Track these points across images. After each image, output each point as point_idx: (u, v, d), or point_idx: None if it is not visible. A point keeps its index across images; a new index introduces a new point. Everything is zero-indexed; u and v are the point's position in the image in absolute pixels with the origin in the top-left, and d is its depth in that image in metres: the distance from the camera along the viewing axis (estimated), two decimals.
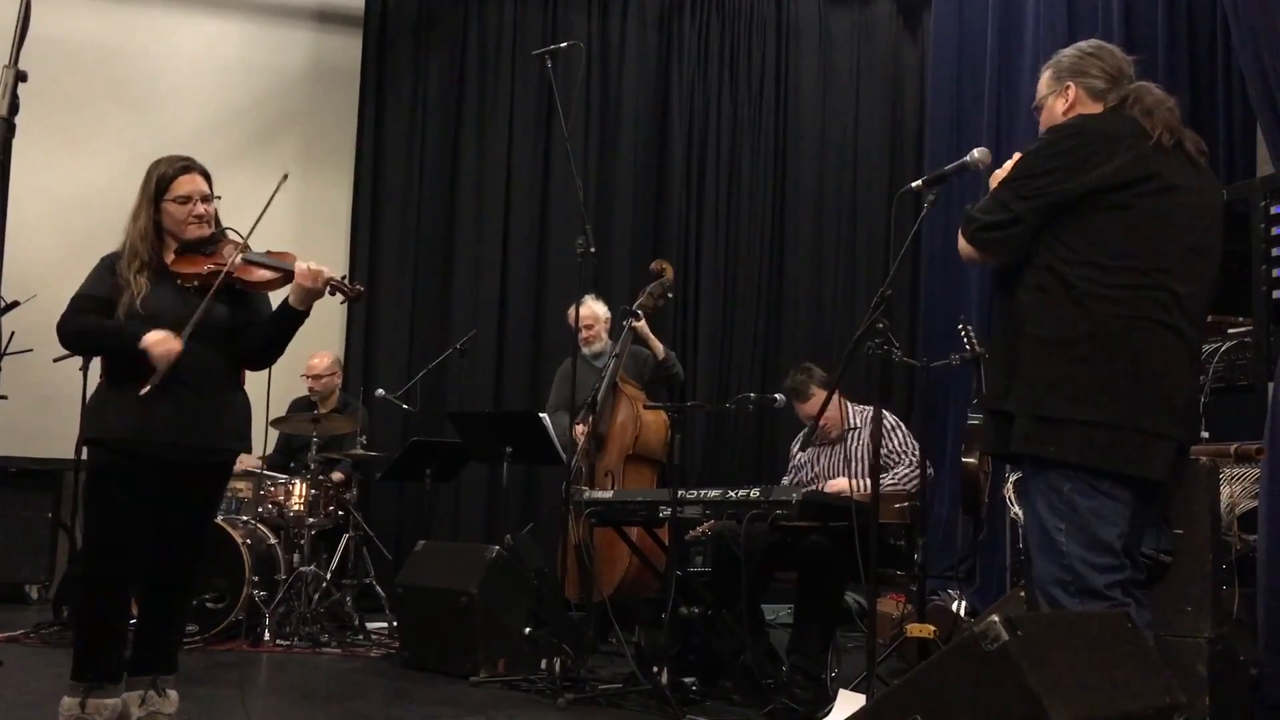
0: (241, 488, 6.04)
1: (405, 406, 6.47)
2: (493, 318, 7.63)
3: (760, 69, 8.18)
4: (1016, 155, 2.87)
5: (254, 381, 3.68)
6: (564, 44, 5.53)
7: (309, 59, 7.84)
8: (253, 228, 3.48)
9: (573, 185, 6.00)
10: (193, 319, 3.30)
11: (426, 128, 7.72)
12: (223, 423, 3.48)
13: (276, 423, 6.20)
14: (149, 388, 3.25)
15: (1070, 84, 2.89)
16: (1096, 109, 2.85)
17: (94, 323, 3.35)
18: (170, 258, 3.46)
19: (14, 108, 2.20)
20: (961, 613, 5.10)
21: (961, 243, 2.85)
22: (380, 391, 6.51)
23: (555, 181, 7.77)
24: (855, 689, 3.57)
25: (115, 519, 3.32)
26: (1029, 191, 2.72)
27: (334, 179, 7.72)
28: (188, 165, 3.49)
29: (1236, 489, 3.80)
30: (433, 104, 7.75)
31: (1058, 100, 2.91)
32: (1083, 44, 3.01)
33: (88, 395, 4.30)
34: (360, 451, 6.16)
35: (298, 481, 5.86)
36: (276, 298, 3.58)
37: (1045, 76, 2.97)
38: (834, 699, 3.63)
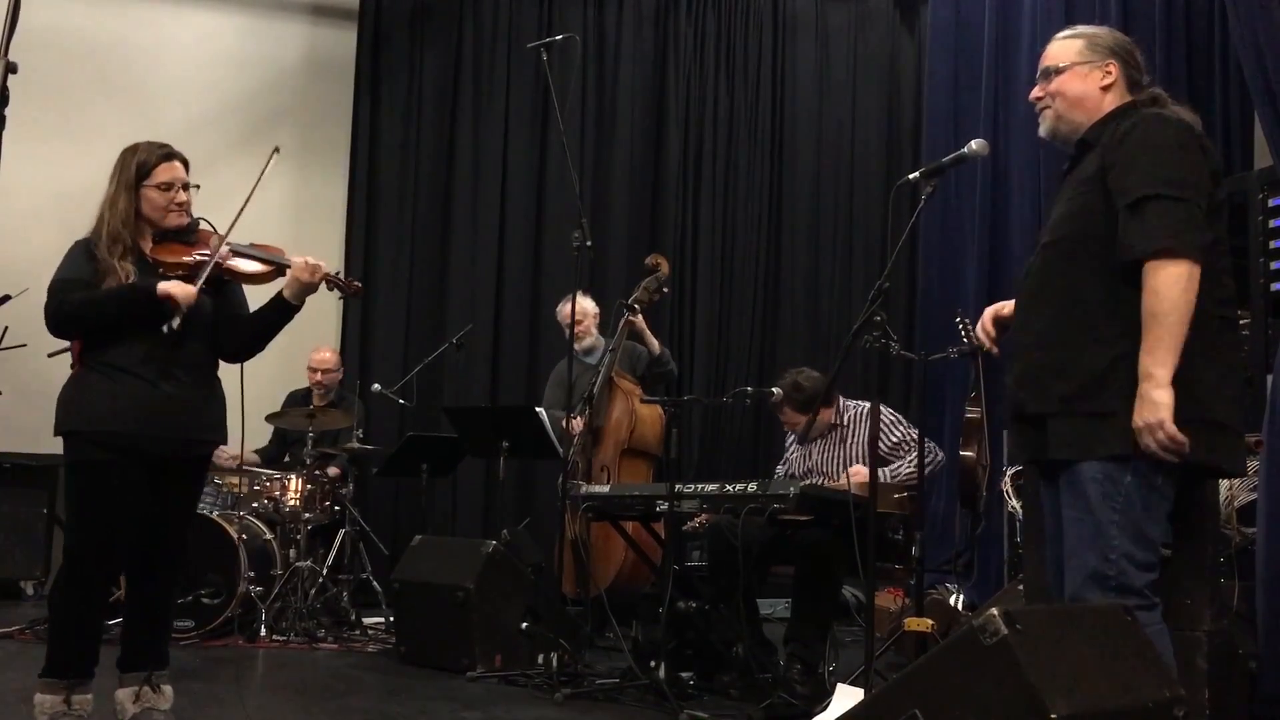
0: (237, 483, 6.03)
1: (401, 401, 6.45)
2: (489, 312, 7.61)
3: (757, 62, 8.16)
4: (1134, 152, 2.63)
5: (229, 374, 3.61)
6: (560, 37, 5.52)
7: (303, 52, 7.81)
8: (244, 205, 3.44)
9: (569, 179, 5.97)
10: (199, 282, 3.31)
11: (422, 121, 7.69)
12: (204, 415, 3.46)
13: (272, 417, 6.19)
14: (170, 328, 3.25)
15: (1114, 63, 2.78)
16: (1128, 96, 2.78)
17: (94, 293, 3.30)
18: (148, 246, 3.42)
19: (4, 99, 2.18)
20: (959, 607, 5.09)
21: (1180, 269, 2.51)
22: (376, 386, 6.50)
23: (551, 175, 7.74)
24: (853, 683, 3.56)
25: (101, 514, 3.28)
26: (1200, 192, 2.58)
27: (329, 173, 7.69)
28: (169, 153, 3.44)
29: (1235, 482, 3.80)
30: (428, 97, 7.72)
31: (1095, 72, 2.78)
32: (1114, 30, 2.94)
33: None
34: (356, 446, 6.14)
35: (293, 476, 5.85)
36: (259, 292, 3.55)
37: (1075, 44, 2.82)
38: (832, 693, 3.62)
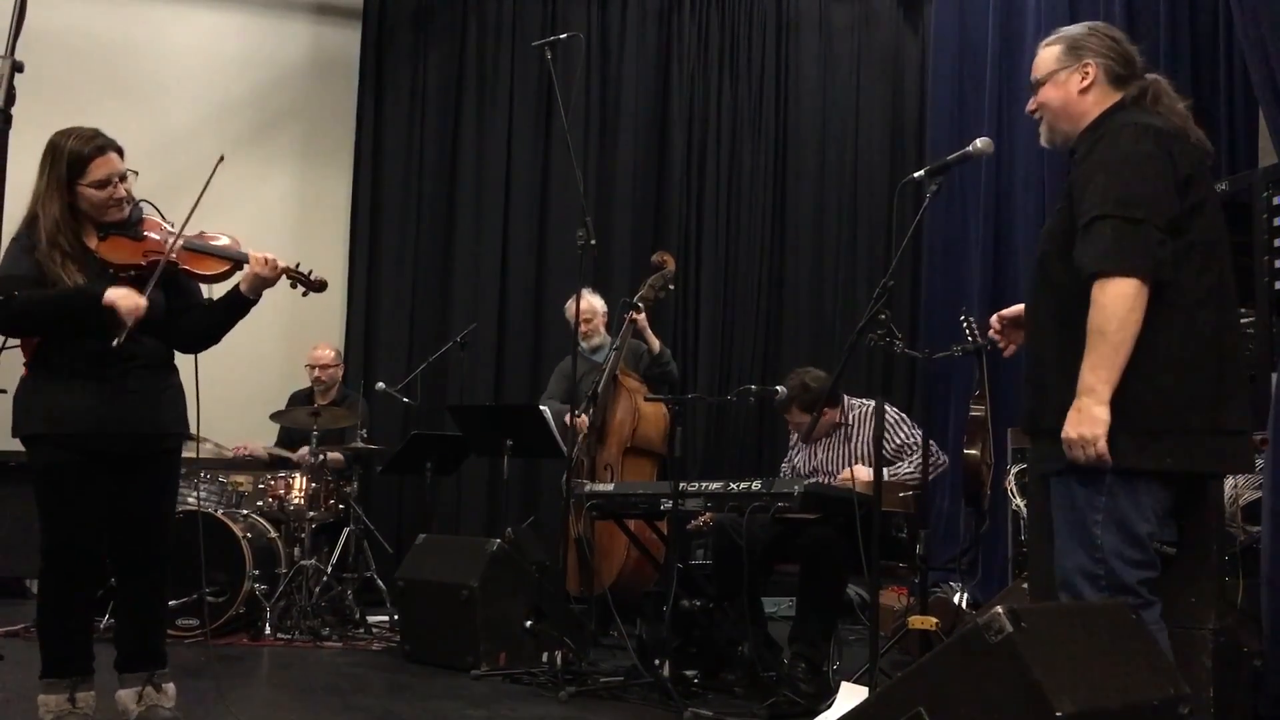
0: (241, 481, 6.04)
1: (405, 400, 6.46)
2: (493, 310, 7.61)
3: (760, 60, 8.16)
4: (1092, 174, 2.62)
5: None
6: (564, 35, 5.51)
7: (308, 52, 7.82)
8: (192, 209, 3.30)
9: (573, 177, 5.97)
10: (149, 288, 3.22)
11: (426, 120, 7.70)
12: (164, 409, 3.40)
13: (276, 416, 6.20)
14: (118, 341, 3.13)
15: (1090, 62, 2.77)
16: (1114, 94, 2.76)
17: (41, 293, 3.16)
18: (93, 242, 3.31)
19: (10, 99, 2.19)
20: (963, 605, 5.09)
21: (1126, 288, 2.51)
22: (380, 385, 6.50)
23: (555, 174, 7.75)
24: (857, 682, 3.56)
25: (68, 515, 3.25)
26: (1157, 209, 2.55)
27: (333, 172, 7.70)
28: (101, 145, 3.25)
29: (1240, 480, 3.79)
30: (432, 96, 7.72)
31: (1073, 76, 2.78)
32: (1094, 24, 2.91)
33: None
34: (360, 445, 6.15)
35: (298, 475, 5.85)
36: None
37: (1054, 50, 2.83)
38: (836, 691, 3.62)
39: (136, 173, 3.36)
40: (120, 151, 3.32)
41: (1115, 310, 2.51)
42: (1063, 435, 2.56)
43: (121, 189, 3.30)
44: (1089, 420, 2.53)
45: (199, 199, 3.28)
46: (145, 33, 7.45)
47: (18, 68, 2.18)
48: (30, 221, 3.26)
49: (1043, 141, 2.93)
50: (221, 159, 3.28)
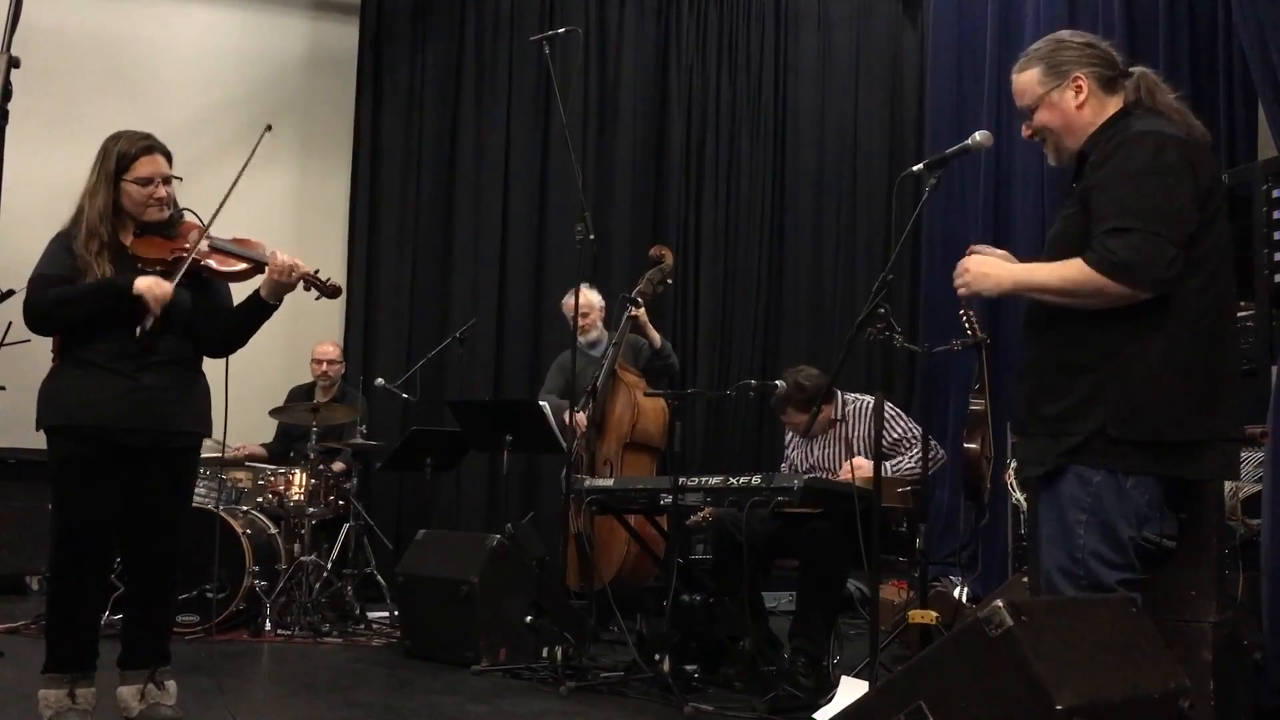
0: (241, 478, 6.04)
1: (405, 396, 6.45)
2: (492, 306, 7.61)
3: (759, 54, 8.16)
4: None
5: (213, 368, 3.58)
6: (562, 30, 5.51)
7: (305, 47, 7.81)
8: (227, 194, 3.38)
9: (571, 172, 5.95)
10: (175, 278, 3.28)
11: (424, 115, 7.69)
12: (185, 407, 3.42)
13: (276, 412, 6.20)
14: (141, 329, 3.22)
15: (1079, 74, 2.69)
16: (1114, 100, 2.71)
17: (69, 289, 3.27)
18: (128, 239, 3.39)
19: (7, 94, 2.19)
20: (963, 599, 5.10)
21: (1122, 293, 2.51)
22: (380, 381, 6.50)
23: (554, 168, 7.75)
24: (858, 676, 3.56)
25: (81, 507, 3.27)
26: (1177, 224, 2.51)
27: (331, 167, 7.69)
28: (149, 145, 3.38)
29: (1240, 473, 3.79)
30: (430, 91, 7.72)
31: (1065, 93, 2.70)
32: (1064, 34, 2.85)
33: None
34: (360, 441, 6.15)
35: (298, 471, 5.85)
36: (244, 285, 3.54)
37: (1034, 73, 2.74)
38: (837, 686, 3.62)
39: (181, 178, 3.46)
40: (169, 156, 3.43)
41: (1088, 284, 2.54)
42: (961, 265, 2.73)
43: (163, 190, 3.40)
44: (987, 278, 2.71)
45: (230, 189, 3.38)
46: (143, 28, 7.44)
47: (14, 63, 2.18)
48: (75, 216, 3.38)
49: (1051, 161, 2.87)
50: (269, 128, 3.45)
